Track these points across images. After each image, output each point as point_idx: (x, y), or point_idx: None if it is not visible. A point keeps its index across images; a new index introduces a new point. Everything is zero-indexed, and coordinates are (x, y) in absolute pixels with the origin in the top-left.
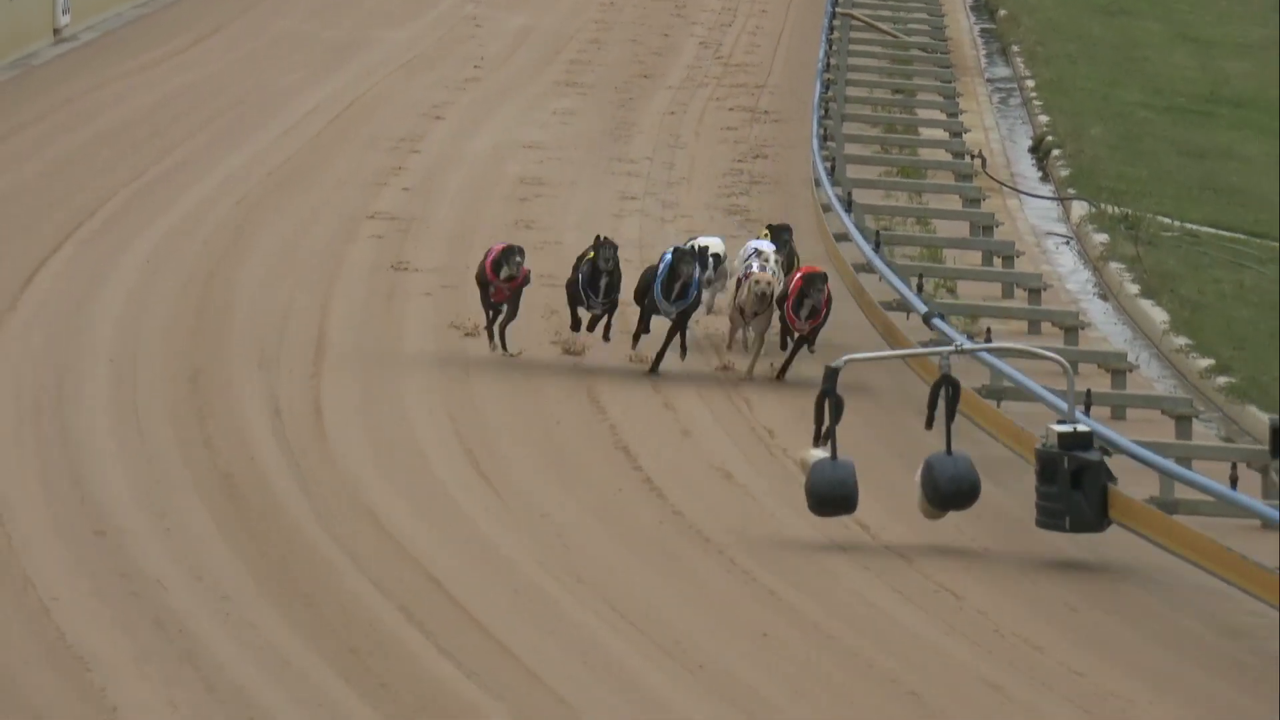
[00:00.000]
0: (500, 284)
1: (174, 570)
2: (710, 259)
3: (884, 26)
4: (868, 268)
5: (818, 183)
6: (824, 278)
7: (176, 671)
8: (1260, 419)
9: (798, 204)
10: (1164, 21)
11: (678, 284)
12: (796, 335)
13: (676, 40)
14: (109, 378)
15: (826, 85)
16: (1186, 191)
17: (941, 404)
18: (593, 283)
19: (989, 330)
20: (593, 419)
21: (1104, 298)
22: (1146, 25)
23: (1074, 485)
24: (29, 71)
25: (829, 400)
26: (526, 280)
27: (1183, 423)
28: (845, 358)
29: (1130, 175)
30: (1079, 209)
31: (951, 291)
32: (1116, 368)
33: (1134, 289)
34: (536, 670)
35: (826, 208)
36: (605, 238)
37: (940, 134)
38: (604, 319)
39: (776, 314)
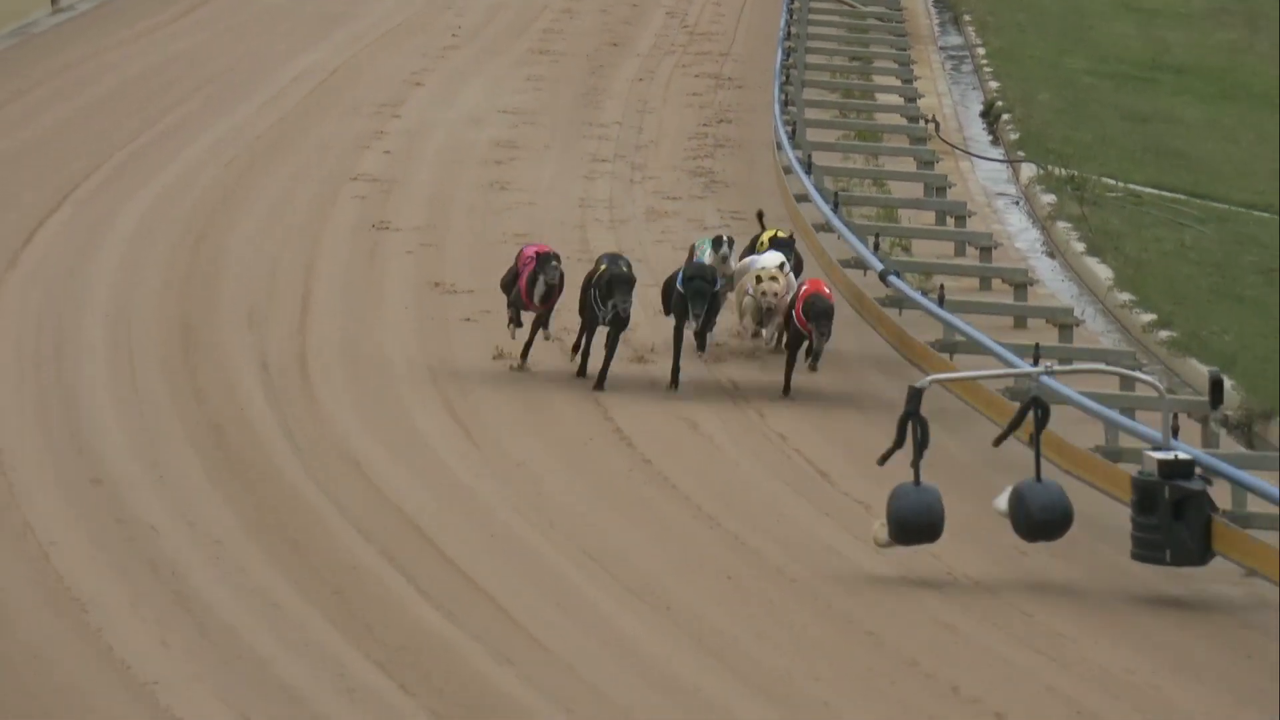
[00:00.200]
0: (538, 306)
1: (167, 517)
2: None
3: None
4: (826, 227)
5: (779, 146)
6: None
7: (169, 613)
8: (1200, 371)
9: (760, 167)
10: None
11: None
12: (804, 343)
13: (645, 10)
14: (105, 333)
15: (787, 53)
16: (1130, 154)
17: (1012, 426)
18: (604, 298)
19: (942, 287)
20: (567, 371)
21: (1051, 255)
22: None
23: (1175, 516)
24: (28, 40)
25: (913, 422)
26: (561, 290)
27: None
28: (929, 378)
29: (1076, 139)
30: (1027, 171)
31: (906, 250)
32: (1063, 322)
33: (1080, 247)
34: (511, 611)
35: (787, 170)
36: (613, 257)
37: (896, 100)
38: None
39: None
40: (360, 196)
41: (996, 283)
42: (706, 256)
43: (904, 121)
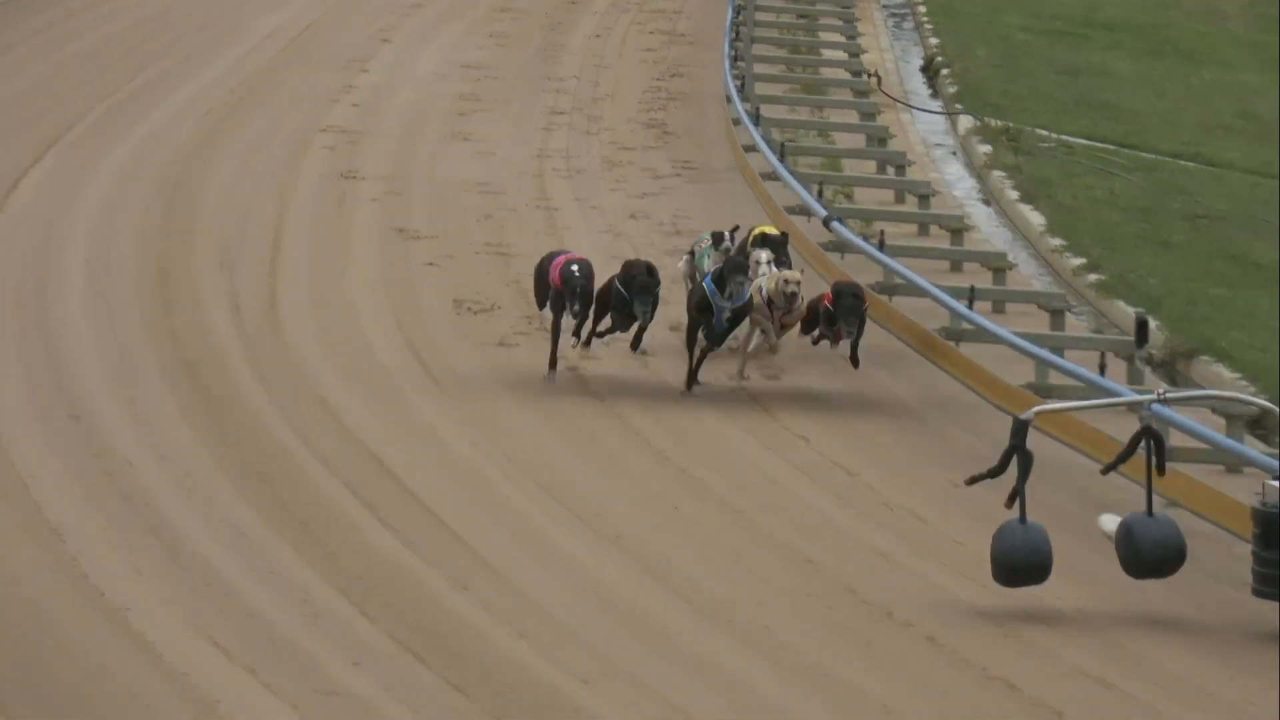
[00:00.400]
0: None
1: (141, 451)
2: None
3: None
4: (773, 176)
5: (729, 99)
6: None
7: (142, 542)
8: (1127, 312)
9: (710, 118)
10: None
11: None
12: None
13: None
14: (85, 275)
15: (737, 10)
16: (1062, 106)
17: (1121, 458)
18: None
19: (882, 232)
20: (528, 315)
21: (987, 203)
22: None
23: None
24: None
25: (1018, 456)
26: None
27: (1057, 316)
28: (1035, 409)
29: (1012, 92)
30: (965, 122)
31: (849, 197)
32: (998, 266)
33: (1014, 195)
34: (469, 540)
35: (736, 121)
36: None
37: (840, 55)
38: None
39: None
40: (329, 147)
41: (934, 229)
42: (709, 255)
43: (848, 76)
